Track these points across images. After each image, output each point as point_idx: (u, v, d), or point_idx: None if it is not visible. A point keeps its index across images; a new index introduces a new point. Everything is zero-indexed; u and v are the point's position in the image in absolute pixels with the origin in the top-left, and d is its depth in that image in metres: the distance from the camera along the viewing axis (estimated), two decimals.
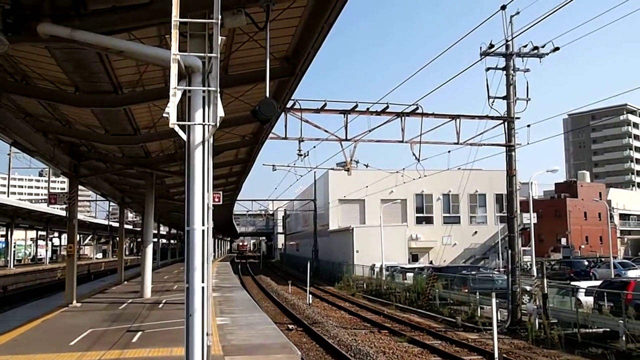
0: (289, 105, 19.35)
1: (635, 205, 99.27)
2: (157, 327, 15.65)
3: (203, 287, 7.48)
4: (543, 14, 14.08)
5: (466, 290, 26.93)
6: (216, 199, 26.75)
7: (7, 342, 13.70)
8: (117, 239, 42.68)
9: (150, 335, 14.39)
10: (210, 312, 8.57)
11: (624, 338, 16.76)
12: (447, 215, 57.62)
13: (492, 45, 22.21)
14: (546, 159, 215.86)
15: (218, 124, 7.39)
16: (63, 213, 44.11)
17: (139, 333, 14.69)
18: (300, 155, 22.69)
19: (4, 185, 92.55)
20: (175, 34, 6.90)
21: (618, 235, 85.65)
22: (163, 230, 70.29)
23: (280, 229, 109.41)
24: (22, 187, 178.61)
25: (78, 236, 32.53)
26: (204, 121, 7.53)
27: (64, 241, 73.61)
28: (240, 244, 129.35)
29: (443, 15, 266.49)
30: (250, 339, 14.43)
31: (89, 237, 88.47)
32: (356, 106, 21.48)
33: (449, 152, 25.35)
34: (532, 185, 40.99)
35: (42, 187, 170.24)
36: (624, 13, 18.96)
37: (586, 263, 46.18)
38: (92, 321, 16.86)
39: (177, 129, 7.17)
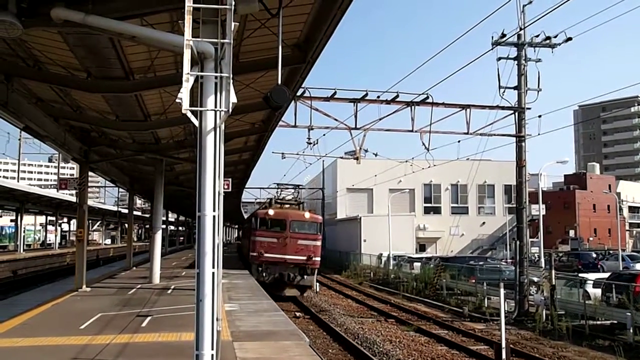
0: (298, 93, 19.33)
1: None
2: (166, 313, 15.76)
3: (213, 273, 7.51)
4: (555, 3, 13.93)
5: (473, 281, 26.95)
6: (226, 186, 26.77)
7: (18, 325, 13.83)
8: (126, 225, 42.80)
9: (159, 320, 14.50)
10: (220, 298, 8.61)
11: (631, 330, 16.79)
12: (455, 205, 57.52)
13: (504, 35, 22.07)
14: (556, 150, 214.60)
15: (230, 110, 7.40)
16: (72, 198, 44.30)
17: (149, 318, 14.81)
18: (310, 143, 22.75)
19: (14, 171, 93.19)
20: (188, 19, 6.90)
21: (627, 227, 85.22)
22: (171, 217, 70.47)
23: None
24: (31, 172, 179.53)
25: (87, 222, 32.68)
26: (215, 107, 7.53)
27: (73, 227, 74.05)
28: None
29: (459, 5, 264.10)
30: (259, 326, 14.53)
31: (98, 223, 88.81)
32: (366, 95, 21.43)
33: (459, 142, 25.30)
34: (542, 176, 40.77)
35: (51, 173, 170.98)
36: (638, 3, 18.75)
37: (594, 255, 45.98)
38: (101, 306, 16.99)
39: (189, 114, 7.18)
